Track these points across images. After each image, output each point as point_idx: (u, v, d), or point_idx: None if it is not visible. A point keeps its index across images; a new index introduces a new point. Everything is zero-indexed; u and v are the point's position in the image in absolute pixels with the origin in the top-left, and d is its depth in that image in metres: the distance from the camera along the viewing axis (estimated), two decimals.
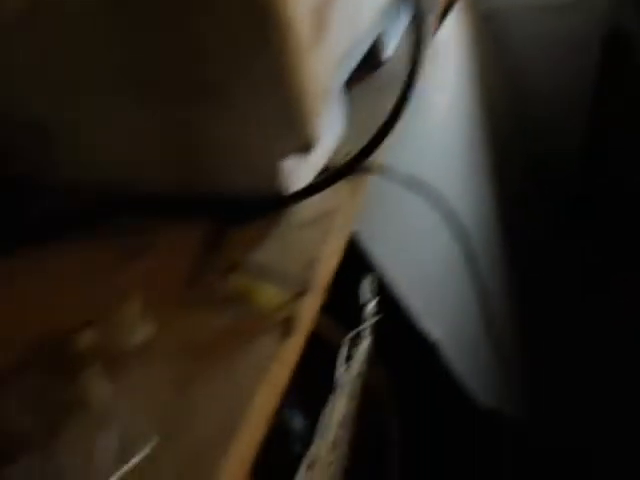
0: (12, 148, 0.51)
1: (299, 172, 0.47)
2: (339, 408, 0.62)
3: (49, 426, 0.35)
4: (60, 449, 0.33)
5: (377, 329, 0.72)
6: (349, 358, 0.65)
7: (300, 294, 0.39)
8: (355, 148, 0.53)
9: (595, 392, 1.05)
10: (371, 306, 0.71)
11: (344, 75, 0.51)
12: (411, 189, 0.55)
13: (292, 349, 0.38)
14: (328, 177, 0.44)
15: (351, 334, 0.66)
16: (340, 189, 0.46)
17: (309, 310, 0.40)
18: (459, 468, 0.84)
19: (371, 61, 0.61)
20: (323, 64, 0.40)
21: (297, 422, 0.65)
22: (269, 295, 0.39)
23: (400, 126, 0.50)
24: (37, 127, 0.48)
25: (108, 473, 0.30)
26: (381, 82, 0.61)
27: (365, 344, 0.69)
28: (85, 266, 0.46)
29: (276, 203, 0.44)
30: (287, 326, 0.38)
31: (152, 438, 0.31)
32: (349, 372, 0.64)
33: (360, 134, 0.55)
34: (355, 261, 0.73)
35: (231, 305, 0.39)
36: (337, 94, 0.50)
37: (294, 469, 0.53)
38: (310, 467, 0.55)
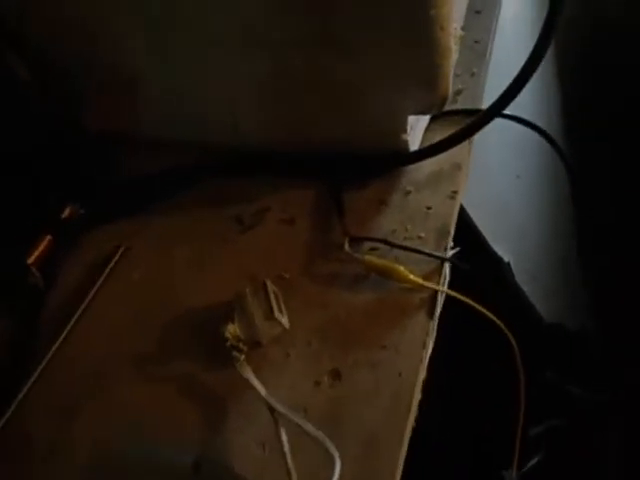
0: (115, 103, 0.47)
1: (418, 125, 0.43)
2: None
3: (206, 416, 0.35)
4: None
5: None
6: None
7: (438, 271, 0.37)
8: (464, 85, 0.49)
9: None
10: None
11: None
12: None
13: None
14: (461, 132, 0.40)
15: None
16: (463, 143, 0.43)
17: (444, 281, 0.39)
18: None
19: None
20: (455, 16, 0.35)
21: None
22: (407, 271, 0.37)
23: None
24: (141, 81, 0.44)
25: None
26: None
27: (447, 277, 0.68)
28: (203, 235, 0.44)
29: (403, 161, 0.41)
30: (432, 304, 0.37)
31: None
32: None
33: (465, 66, 0.51)
34: None
35: (368, 282, 0.38)
36: None
37: None
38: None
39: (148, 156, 0.48)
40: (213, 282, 0.40)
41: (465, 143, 0.43)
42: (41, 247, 0.43)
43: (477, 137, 0.83)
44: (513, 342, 0.44)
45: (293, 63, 0.37)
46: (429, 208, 0.42)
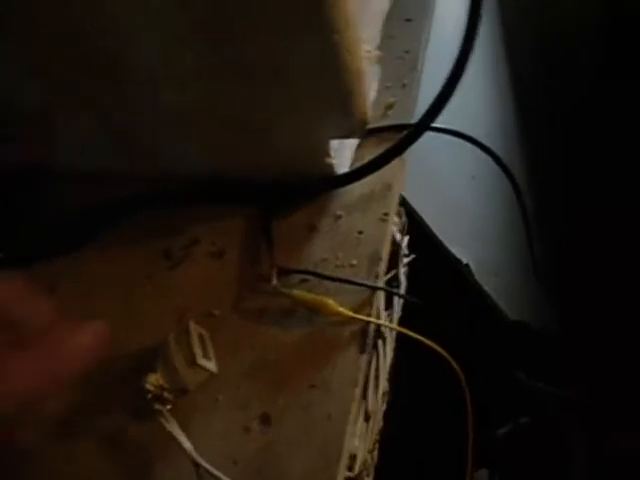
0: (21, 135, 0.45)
1: (345, 146, 0.42)
2: (387, 358, 0.62)
3: (130, 472, 0.33)
4: None
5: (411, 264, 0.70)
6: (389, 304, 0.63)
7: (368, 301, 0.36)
8: (395, 99, 0.48)
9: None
10: (404, 246, 0.68)
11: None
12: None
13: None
14: (387, 152, 0.39)
15: (387, 276, 0.64)
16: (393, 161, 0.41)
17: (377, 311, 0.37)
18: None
19: None
20: (366, 37, 0.34)
21: None
22: (336, 304, 0.35)
23: None
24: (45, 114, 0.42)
25: None
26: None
27: (403, 286, 0.67)
28: (129, 275, 0.42)
29: (328, 185, 0.40)
30: (363, 337, 0.35)
31: None
32: (391, 318, 0.63)
33: (396, 77, 0.49)
34: None
35: (297, 317, 0.36)
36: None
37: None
38: (366, 420, 0.55)
39: (76, 189, 0.46)
40: (138, 327, 0.38)
41: (395, 161, 0.42)
42: None
43: (427, 141, 0.82)
44: (457, 369, 0.44)
45: (208, 96, 0.35)
46: (360, 232, 0.40)
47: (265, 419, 0.33)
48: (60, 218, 0.45)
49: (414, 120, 0.44)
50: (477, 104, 0.86)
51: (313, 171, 0.40)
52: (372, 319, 0.36)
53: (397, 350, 0.57)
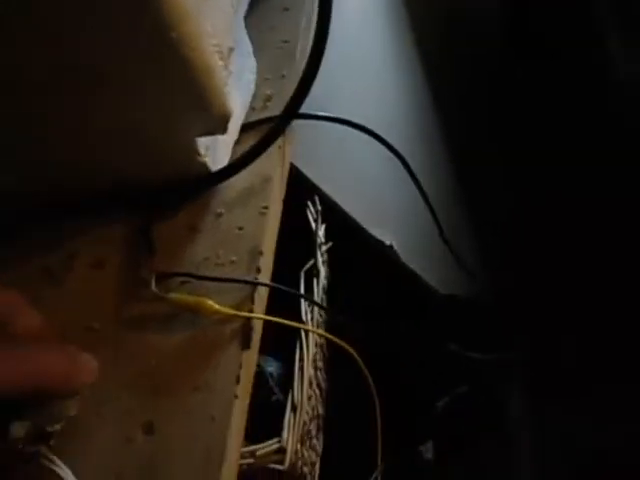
0: None
1: (220, 142, 0.41)
2: (309, 346, 0.62)
3: None
4: None
5: (333, 252, 0.71)
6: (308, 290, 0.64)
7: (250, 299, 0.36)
8: (273, 90, 0.47)
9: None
10: (321, 234, 0.69)
11: (243, 9, 0.43)
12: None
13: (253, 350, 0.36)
14: (258, 145, 0.38)
15: (306, 267, 0.65)
16: (269, 151, 0.41)
17: (261, 306, 0.37)
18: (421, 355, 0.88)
19: None
20: (216, 29, 0.33)
21: (273, 369, 0.65)
22: (214, 303, 0.35)
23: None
24: None
25: None
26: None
27: (323, 274, 0.67)
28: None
29: (201, 185, 0.39)
30: (245, 333, 0.35)
31: None
32: (312, 308, 0.63)
33: (274, 68, 0.49)
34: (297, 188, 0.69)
35: (178, 321, 0.36)
36: (246, 44, 0.43)
37: (279, 414, 0.54)
38: (293, 410, 0.56)
39: None
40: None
41: (274, 153, 0.42)
42: None
43: (337, 141, 0.82)
44: (360, 363, 0.44)
45: (61, 106, 0.33)
46: (240, 228, 0.40)
47: (148, 428, 0.33)
48: None
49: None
50: (385, 94, 0.87)
51: (187, 171, 0.39)
52: (254, 315, 0.36)
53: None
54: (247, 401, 0.34)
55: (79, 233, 0.42)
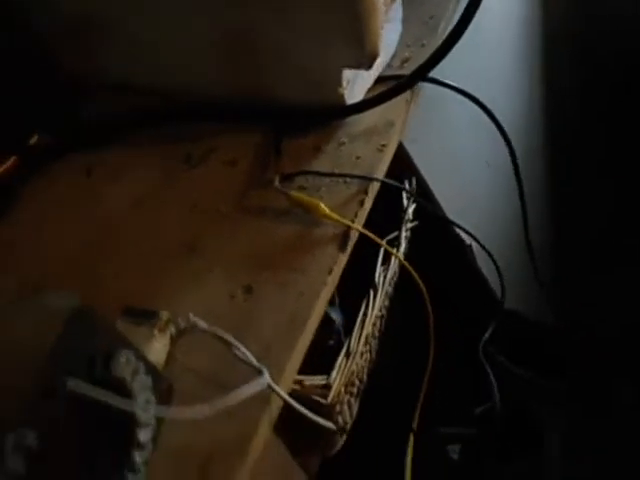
0: (62, 46, 0.51)
1: (358, 82, 0.47)
2: (375, 306, 0.66)
3: None
4: None
5: (415, 233, 0.75)
6: (386, 260, 0.68)
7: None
8: (412, 54, 0.53)
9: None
10: (409, 212, 0.73)
11: None
12: (459, 98, 0.55)
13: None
14: (389, 90, 0.44)
15: (389, 237, 0.69)
16: (397, 101, 0.46)
17: (361, 220, 0.43)
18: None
19: None
20: None
21: (337, 317, 0.70)
22: (327, 211, 0.41)
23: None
24: (88, 23, 0.48)
25: None
26: None
27: (403, 248, 0.72)
28: (154, 170, 0.48)
29: (334, 114, 0.45)
30: (344, 238, 0.40)
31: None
32: (386, 273, 0.68)
33: (417, 38, 0.54)
34: (397, 165, 0.74)
35: (291, 215, 0.42)
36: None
37: (333, 357, 0.59)
38: (346, 356, 0.60)
39: (115, 98, 0.53)
40: (156, 216, 0.45)
41: (401, 102, 0.47)
42: (6, 164, 0.47)
43: (448, 124, 0.86)
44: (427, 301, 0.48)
45: (232, 24, 0.40)
46: (358, 158, 0.45)
47: (248, 289, 0.39)
48: (101, 116, 0.52)
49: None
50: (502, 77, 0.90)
51: (326, 99, 0.45)
52: (354, 225, 0.41)
53: None
54: (330, 293, 0.39)
55: (220, 134, 0.49)
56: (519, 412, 0.93)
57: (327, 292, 0.38)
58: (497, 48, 0.89)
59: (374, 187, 0.44)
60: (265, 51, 0.43)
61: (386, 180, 0.45)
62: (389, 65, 0.51)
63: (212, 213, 0.44)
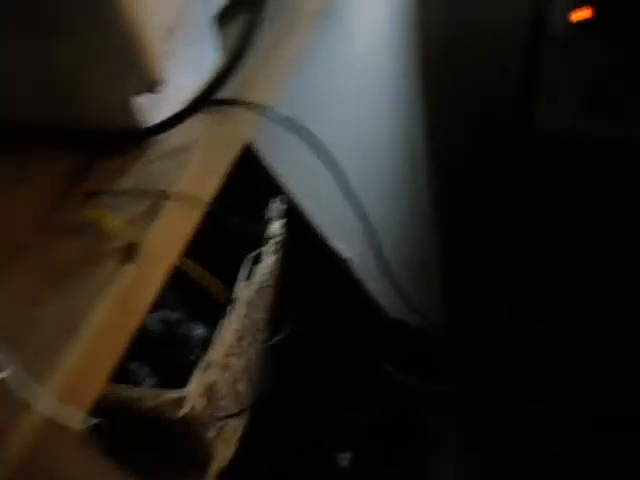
0: None
1: (164, 106, 0.50)
2: (236, 318, 0.69)
3: None
4: None
5: (287, 249, 0.78)
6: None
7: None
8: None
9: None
10: (276, 227, 0.77)
11: (212, 10, 0.53)
12: (290, 131, 0.59)
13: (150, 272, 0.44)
14: (179, 113, 0.47)
15: (253, 253, 0.72)
16: (199, 124, 0.50)
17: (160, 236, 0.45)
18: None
19: None
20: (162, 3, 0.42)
21: (198, 331, 0.73)
22: (115, 223, 0.43)
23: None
24: None
25: None
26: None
27: (267, 262, 0.75)
28: None
29: (133, 137, 0.48)
30: (130, 251, 0.43)
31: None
32: (248, 287, 0.71)
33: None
34: (263, 184, 0.78)
35: (82, 232, 0.44)
36: (205, 29, 0.53)
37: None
38: (206, 369, 0.63)
39: None
40: None
41: (201, 123, 0.51)
42: None
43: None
44: None
45: (24, 47, 0.43)
46: (162, 174, 0.48)
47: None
48: None
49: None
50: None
51: (125, 123, 0.48)
52: (140, 237, 0.43)
53: None
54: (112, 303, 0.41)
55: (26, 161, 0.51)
56: (406, 417, 0.96)
57: (107, 302, 0.41)
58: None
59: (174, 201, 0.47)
60: (62, 79, 0.46)
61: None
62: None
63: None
